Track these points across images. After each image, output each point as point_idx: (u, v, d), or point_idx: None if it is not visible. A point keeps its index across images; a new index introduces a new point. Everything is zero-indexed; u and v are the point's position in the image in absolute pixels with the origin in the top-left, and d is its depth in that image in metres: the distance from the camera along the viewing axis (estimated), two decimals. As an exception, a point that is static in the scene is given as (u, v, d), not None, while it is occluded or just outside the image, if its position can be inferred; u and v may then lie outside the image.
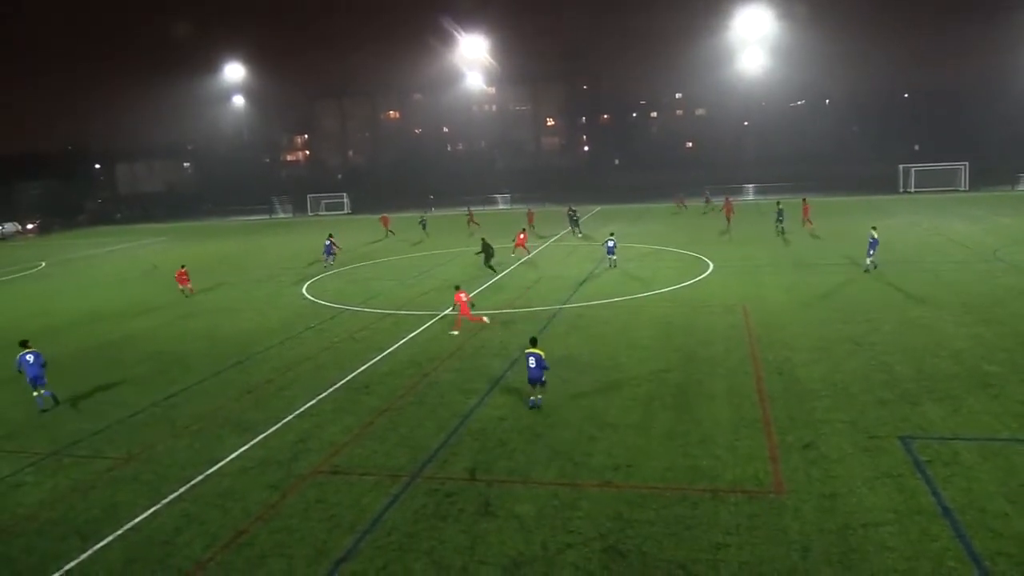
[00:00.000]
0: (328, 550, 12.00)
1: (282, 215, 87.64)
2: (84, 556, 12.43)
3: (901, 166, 72.21)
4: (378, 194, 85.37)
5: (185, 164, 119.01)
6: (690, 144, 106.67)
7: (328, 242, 42.41)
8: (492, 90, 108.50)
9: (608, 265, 35.79)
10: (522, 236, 41.50)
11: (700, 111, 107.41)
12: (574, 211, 53.08)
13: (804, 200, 48.52)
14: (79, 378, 23.14)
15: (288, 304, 32.23)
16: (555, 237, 48.50)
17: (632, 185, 79.52)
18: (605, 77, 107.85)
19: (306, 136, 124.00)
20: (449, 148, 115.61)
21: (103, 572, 11.95)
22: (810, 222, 44.86)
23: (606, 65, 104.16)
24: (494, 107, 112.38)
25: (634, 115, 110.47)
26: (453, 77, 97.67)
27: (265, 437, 16.95)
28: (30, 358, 20.07)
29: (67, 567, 12.13)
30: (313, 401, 19.10)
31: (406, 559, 11.56)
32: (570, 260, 39.65)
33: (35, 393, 20.18)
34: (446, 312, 28.12)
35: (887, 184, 70.95)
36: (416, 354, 22.96)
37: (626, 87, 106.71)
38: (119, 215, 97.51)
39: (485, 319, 25.86)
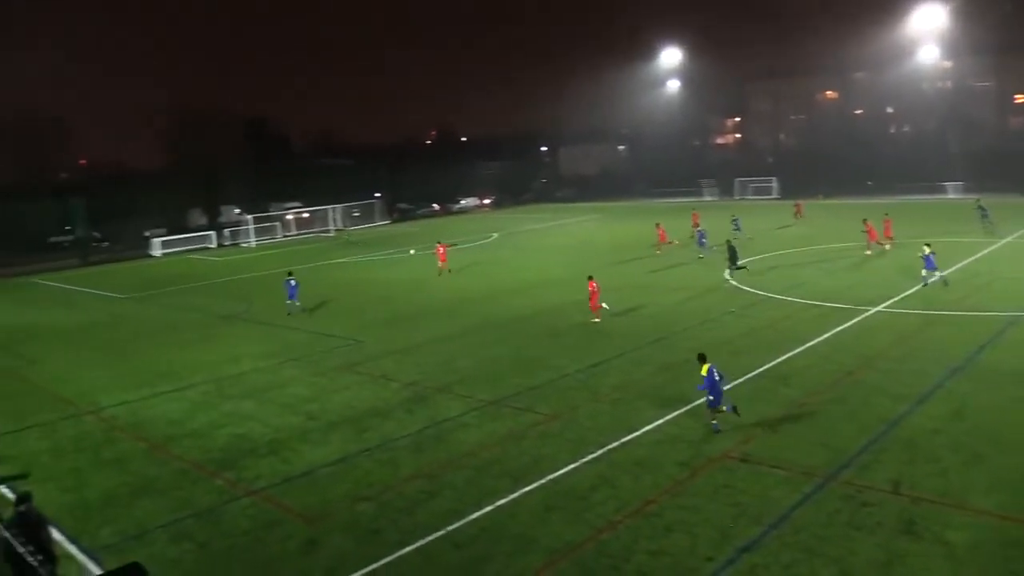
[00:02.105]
0: (732, 536, 11.96)
1: (708, 198, 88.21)
2: (512, 496, 13.95)
3: None
4: (810, 179, 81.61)
5: (619, 147, 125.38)
6: None
7: (699, 231, 42.01)
8: (948, 64, 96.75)
9: (923, 284, 28.82)
10: (871, 227, 38.35)
11: None
12: (984, 207, 45.40)
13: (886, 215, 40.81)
14: (521, 337, 25.90)
15: (710, 286, 32.44)
16: (1014, 235, 42.08)
17: None
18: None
19: (737, 119, 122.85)
20: (892, 130, 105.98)
21: (526, 513, 13.30)
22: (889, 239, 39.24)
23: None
24: (948, 83, 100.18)
25: None
26: (902, 52, 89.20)
27: (679, 415, 17.37)
28: (293, 282, 32.63)
29: (498, 503, 13.72)
30: (728, 386, 18.95)
31: (813, 563, 11.05)
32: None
33: (288, 302, 32.39)
34: (878, 308, 26.12)
35: None
36: (840, 350, 21.67)
37: None
38: (559, 194, 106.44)
39: (605, 305, 27.65)
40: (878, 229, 39.02)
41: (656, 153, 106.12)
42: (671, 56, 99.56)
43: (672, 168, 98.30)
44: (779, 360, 20.96)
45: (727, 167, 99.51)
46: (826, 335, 23.23)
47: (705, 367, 16.30)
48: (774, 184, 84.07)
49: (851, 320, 24.83)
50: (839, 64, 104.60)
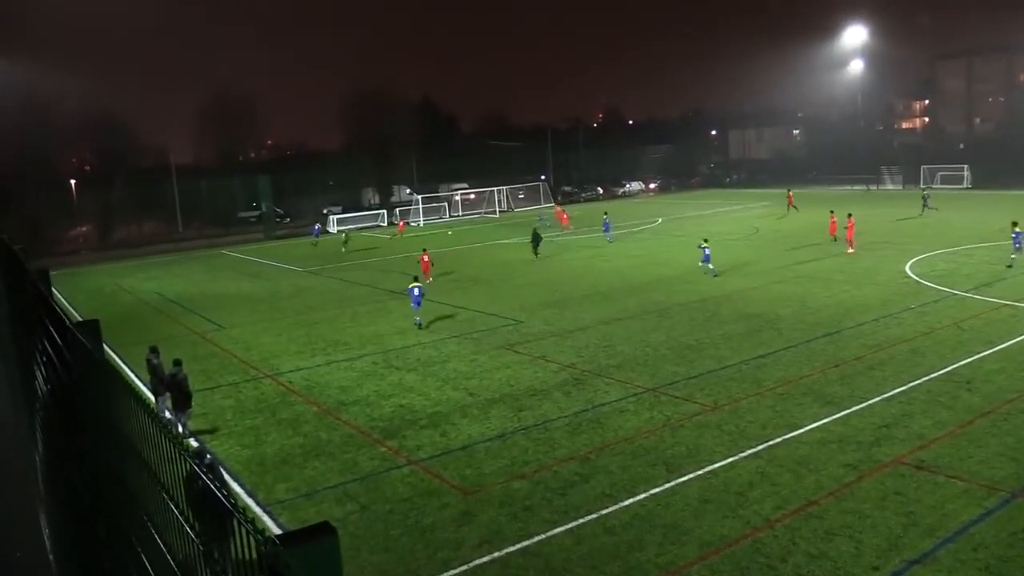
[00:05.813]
0: (901, 547, 11.29)
1: (890, 186, 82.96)
2: (666, 485, 13.79)
3: None
4: (1009, 168, 74.77)
5: (794, 131, 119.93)
6: None
7: (606, 220, 42.72)
8: None
9: (703, 273, 33.43)
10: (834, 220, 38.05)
11: None
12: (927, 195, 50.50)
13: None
14: (683, 325, 25.44)
15: (888, 280, 30.58)
16: None
17: None
18: None
19: (925, 102, 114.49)
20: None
21: (680, 503, 13.10)
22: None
23: None
24: None
25: None
26: None
27: (847, 414, 16.54)
28: (317, 227, 38.23)
29: (652, 491, 13.60)
30: (904, 387, 17.94)
31: (995, 583, 10.25)
32: None
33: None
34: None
35: None
36: (1035, 355, 19.88)
37: None
38: (728, 179, 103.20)
39: (430, 279, 34.61)
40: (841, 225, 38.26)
41: (834, 138, 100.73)
42: (854, 34, 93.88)
43: (851, 154, 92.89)
44: (962, 363, 19.49)
45: (912, 153, 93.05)
46: (1020, 338, 21.35)
47: (411, 284, 26.94)
48: (965, 173, 77.79)
49: (1050, 323, 22.71)
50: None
